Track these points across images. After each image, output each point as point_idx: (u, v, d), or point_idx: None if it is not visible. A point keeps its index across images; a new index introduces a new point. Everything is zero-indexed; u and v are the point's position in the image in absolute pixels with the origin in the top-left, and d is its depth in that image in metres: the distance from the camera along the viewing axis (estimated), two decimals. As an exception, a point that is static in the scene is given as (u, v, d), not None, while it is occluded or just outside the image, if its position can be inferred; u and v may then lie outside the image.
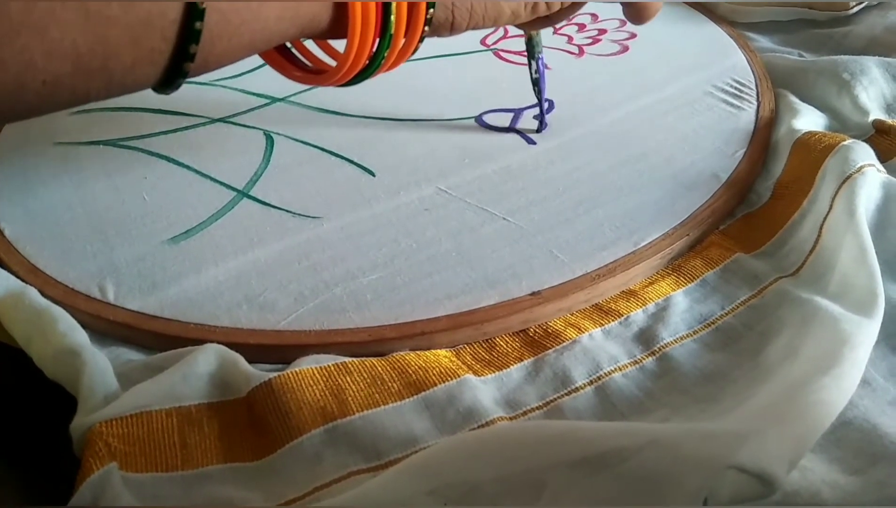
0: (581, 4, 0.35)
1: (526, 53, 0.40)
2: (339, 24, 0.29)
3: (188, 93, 0.45)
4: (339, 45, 0.30)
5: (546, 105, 0.43)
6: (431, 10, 0.30)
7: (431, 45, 0.49)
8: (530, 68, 0.40)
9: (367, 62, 0.31)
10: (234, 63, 0.28)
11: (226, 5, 0.25)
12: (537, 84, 0.41)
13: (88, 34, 0.22)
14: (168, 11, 0.23)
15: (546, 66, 0.41)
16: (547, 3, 0.33)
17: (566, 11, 0.35)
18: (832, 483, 0.24)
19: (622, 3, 0.37)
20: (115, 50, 0.23)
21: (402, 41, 0.30)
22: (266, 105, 0.44)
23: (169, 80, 0.26)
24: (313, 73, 0.33)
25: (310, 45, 0.33)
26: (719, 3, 0.53)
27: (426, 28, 0.31)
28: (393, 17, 0.29)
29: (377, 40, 0.30)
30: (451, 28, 0.32)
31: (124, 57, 0.24)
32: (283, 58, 0.33)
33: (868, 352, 0.26)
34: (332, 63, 0.32)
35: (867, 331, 0.27)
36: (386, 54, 0.30)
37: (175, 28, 0.24)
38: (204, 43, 0.25)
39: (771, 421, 0.22)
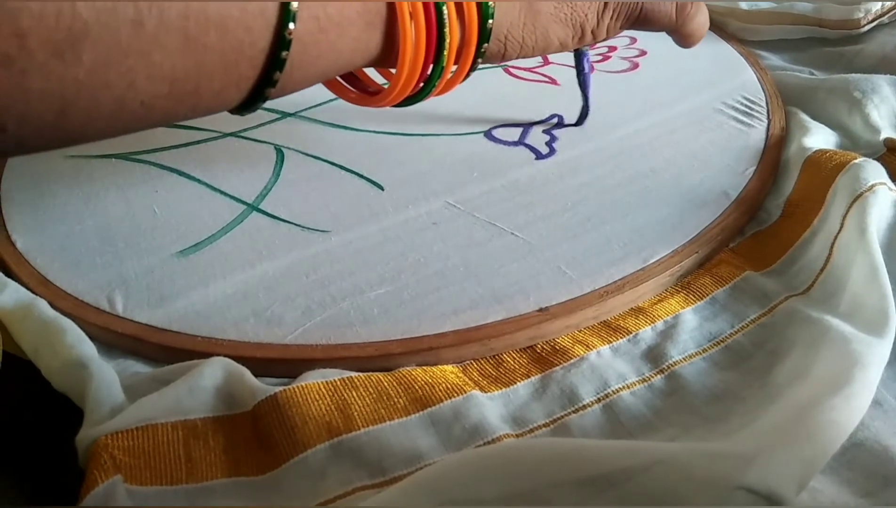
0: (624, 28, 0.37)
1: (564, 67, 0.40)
2: (393, 55, 0.31)
3: (200, 108, 0.46)
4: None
5: (556, 120, 0.43)
6: (485, 45, 0.32)
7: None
8: (577, 66, 0.41)
9: (421, 87, 0.33)
10: (304, 88, 0.30)
11: (307, 36, 0.27)
12: (583, 80, 0.42)
13: (187, 59, 0.24)
14: (258, 41, 0.25)
15: (592, 67, 0.42)
16: (593, 32, 0.35)
17: (609, 37, 0.36)
18: (842, 506, 0.23)
19: (669, 32, 0.38)
20: (208, 75, 0.25)
21: (451, 70, 0.33)
22: (277, 120, 0.44)
23: (249, 104, 0.28)
24: (367, 95, 0.35)
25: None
26: (730, 22, 0.53)
27: (478, 60, 0.33)
28: (445, 53, 0.31)
29: (430, 67, 0.32)
30: (502, 58, 0.34)
31: (215, 82, 0.25)
32: (338, 80, 0.35)
33: (879, 373, 0.26)
34: (385, 84, 0.34)
35: (878, 352, 0.26)
36: (437, 83, 0.33)
37: (263, 56, 0.26)
38: (285, 71, 0.26)
39: (780, 442, 0.22)
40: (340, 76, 0.35)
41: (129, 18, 0.22)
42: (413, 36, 0.30)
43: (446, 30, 0.30)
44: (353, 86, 0.36)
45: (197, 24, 0.24)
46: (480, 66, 0.33)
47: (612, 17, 0.35)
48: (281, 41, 0.26)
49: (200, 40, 0.24)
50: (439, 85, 0.33)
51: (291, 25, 0.25)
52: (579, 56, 0.41)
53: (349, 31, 0.28)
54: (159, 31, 0.23)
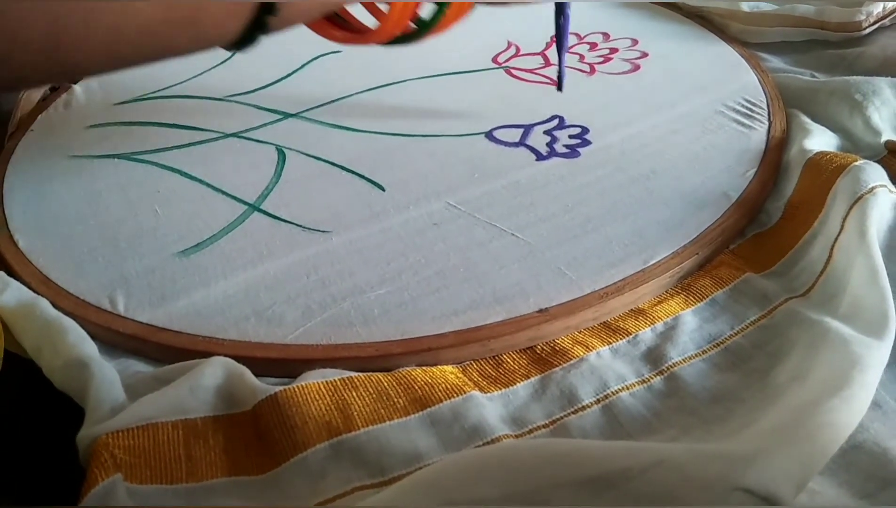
0: None
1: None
2: None
3: (202, 108, 0.46)
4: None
5: (556, 122, 0.43)
6: None
7: (443, 62, 0.49)
8: (557, 20, 0.42)
9: (416, 28, 0.32)
10: (306, 21, 0.30)
11: None
12: (560, 33, 0.42)
13: None
14: None
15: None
16: None
17: None
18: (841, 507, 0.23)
19: None
20: (205, 1, 0.24)
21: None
22: (278, 120, 0.44)
23: (249, 35, 0.27)
24: (354, 33, 0.34)
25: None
26: (731, 24, 0.53)
27: None
28: None
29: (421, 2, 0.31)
30: None
31: (213, 9, 0.25)
32: (324, 20, 0.34)
33: (879, 375, 0.26)
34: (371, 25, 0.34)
35: (878, 353, 0.26)
36: (445, 10, 0.32)
37: None
38: None
39: (779, 443, 0.22)
40: (326, 17, 0.34)
41: None
42: None
43: None
44: (339, 28, 0.35)
45: None
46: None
47: None
48: None
49: None
50: (443, 19, 0.32)
51: None
52: (560, 7, 0.41)
53: None
54: None
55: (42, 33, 0.22)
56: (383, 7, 0.33)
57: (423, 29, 0.33)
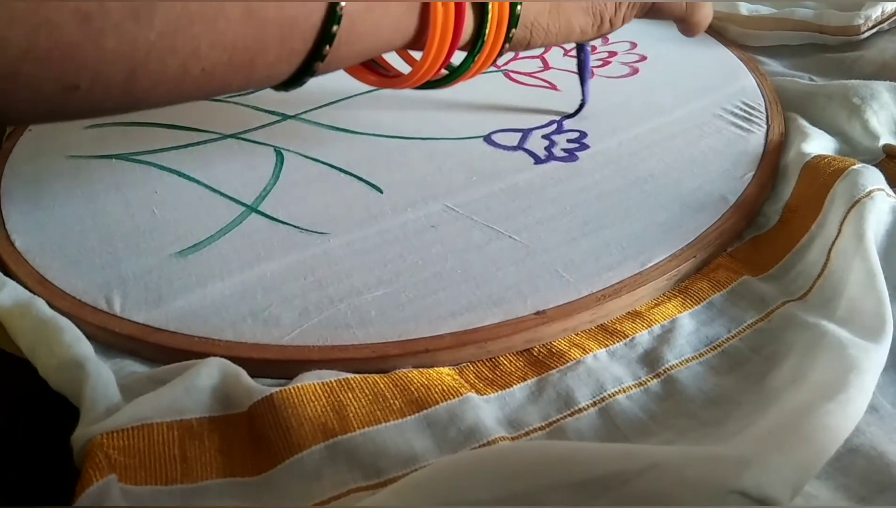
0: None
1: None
2: (423, 39, 0.32)
3: (200, 109, 0.46)
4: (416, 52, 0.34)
5: (555, 126, 0.43)
6: (513, 30, 0.33)
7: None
8: (578, 55, 0.43)
9: (445, 73, 0.34)
10: (345, 67, 0.31)
11: (355, 13, 0.28)
12: (583, 68, 0.43)
13: (247, 30, 0.25)
14: (312, 15, 0.27)
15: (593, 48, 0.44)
16: (611, 21, 0.37)
17: (623, 25, 0.38)
18: (837, 511, 0.23)
19: (676, 21, 0.40)
20: (263, 47, 0.26)
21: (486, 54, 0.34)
22: (277, 122, 0.44)
23: (297, 78, 0.29)
24: (388, 78, 0.36)
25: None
26: (730, 27, 0.53)
27: (506, 45, 0.33)
28: (486, 31, 0.32)
29: (454, 53, 0.32)
30: (527, 46, 0.35)
31: (270, 55, 0.27)
32: (360, 64, 0.36)
33: (876, 379, 0.26)
34: (403, 69, 0.35)
35: (875, 357, 0.26)
36: (476, 58, 0.34)
37: (315, 31, 0.27)
38: (333, 46, 0.28)
39: (775, 446, 0.22)
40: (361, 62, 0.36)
41: None
42: (442, 21, 0.31)
43: (489, 6, 0.32)
44: (373, 72, 0.37)
45: None
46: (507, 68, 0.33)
47: (628, 7, 0.37)
48: (333, 16, 0.27)
49: (261, 13, 0.25)
50: (472, 68, 0.34)
51: (343, 2, 0.27)
52: (581, 45, 0.42)
53: (391, 11, 0.30)
54: (225, 3, 0.24)
55: (123, 71, 0.24)
56: (416, 55, 0.34)
57: (453, 75, 0.35)
